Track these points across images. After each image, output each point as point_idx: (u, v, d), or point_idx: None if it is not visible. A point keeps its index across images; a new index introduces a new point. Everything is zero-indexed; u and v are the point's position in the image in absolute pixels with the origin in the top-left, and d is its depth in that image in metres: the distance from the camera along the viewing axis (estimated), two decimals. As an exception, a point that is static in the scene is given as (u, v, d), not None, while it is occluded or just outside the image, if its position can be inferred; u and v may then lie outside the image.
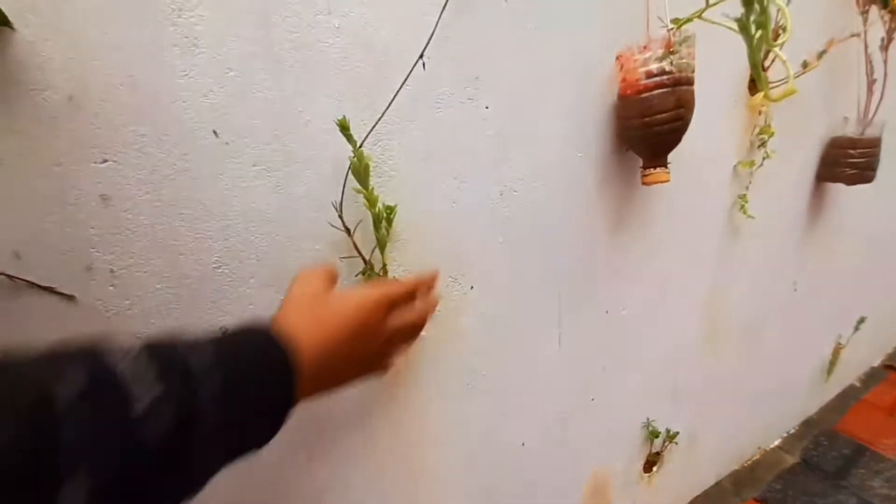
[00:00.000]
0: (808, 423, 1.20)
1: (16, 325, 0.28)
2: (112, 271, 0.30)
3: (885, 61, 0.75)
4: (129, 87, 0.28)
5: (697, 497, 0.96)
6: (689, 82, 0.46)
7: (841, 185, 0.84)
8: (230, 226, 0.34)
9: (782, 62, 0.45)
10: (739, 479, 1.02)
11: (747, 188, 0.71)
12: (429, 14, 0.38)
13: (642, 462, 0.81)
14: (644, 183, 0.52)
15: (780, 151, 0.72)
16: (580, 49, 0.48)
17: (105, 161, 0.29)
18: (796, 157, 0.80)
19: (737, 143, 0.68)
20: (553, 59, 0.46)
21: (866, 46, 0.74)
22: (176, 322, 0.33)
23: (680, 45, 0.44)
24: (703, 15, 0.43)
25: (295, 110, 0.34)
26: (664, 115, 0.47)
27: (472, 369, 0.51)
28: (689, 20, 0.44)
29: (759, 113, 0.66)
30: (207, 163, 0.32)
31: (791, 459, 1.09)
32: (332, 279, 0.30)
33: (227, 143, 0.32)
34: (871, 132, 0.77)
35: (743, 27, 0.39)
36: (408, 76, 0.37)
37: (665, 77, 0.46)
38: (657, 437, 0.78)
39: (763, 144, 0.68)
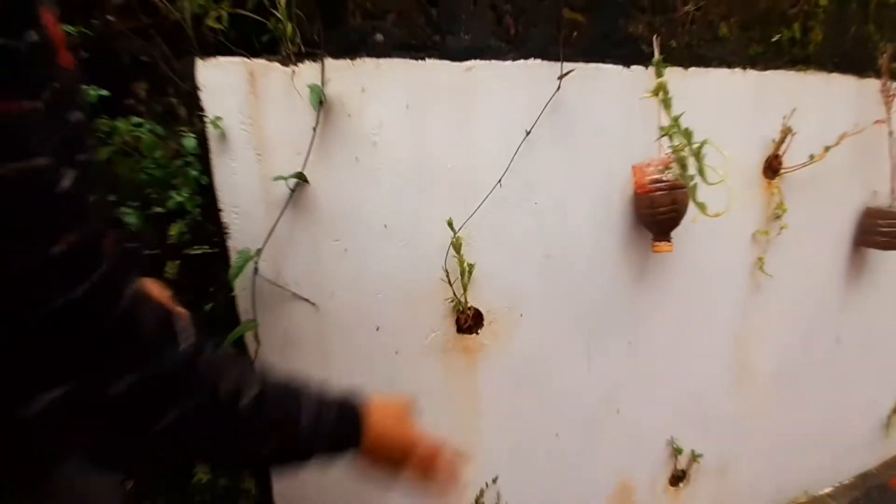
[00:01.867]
0: (864, 477, 1.22)
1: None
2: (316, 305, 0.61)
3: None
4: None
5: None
6: (682, 186, 0.67)
7: (878, 250, 0.94)
8: (390, 273, 0.63)
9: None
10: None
11: (765, 252, 0.86)
12: (505, 155, 0.64)
13: (668, 476, 0.96)
14: (654, 251, 0.73)
15: (808, 221, 0.86)
16: (606, 163, 0.71)
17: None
18: (827, 225, 0.92)
19: (755, 216, 0.84)
20: (585, 169, 0.70)
21: (891, 132, 0.86)
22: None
23: (674, 163, 0.66)
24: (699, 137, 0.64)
25: (426, 214, 0.63)
26: (664, 208, 0.68)
27: (519, 373, 0.75)
28: (680, 149, 0.65)
29: (773, 194, 0.82)
30: (378, 244, 0.61)
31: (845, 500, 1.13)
32: (409, 409, 0.43)
33: (387, 229, 0.62)
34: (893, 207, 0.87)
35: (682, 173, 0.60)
36: (489, 193, 0.64)
37: (663, 183, 0.67)
38: (680, 453, 0.93)
39: (779, 217, 0.84)
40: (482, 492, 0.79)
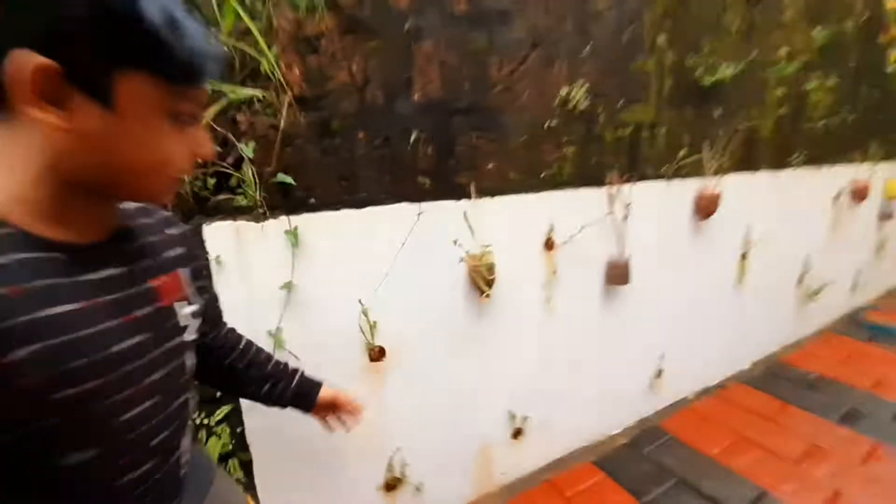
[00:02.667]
0: (643, 421, 1.91)
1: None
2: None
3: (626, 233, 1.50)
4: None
5: (554, 460, 1.66)
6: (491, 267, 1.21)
7: (616, 285, 1.58)
8: (336, 330, 1.07)
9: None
10: (584, 452, 1.72)
11: (552, 292, 1.45)
12: (390, 257, 1.12)
13: (510, 433, 1.52)
14: (481, 301, 1.26)
15: (576, 272, 1.47)
16: (450, 256, 1.22)
17: (293, 319, 1.03)
18: (589, 272, 1.54)
19: (543, 273, 1.43)
20: (440, 262, 1.21)
21: (614, 216, 1.50)
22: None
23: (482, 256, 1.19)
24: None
25: (352, 297, 1.08)
26: (482, 280, 1.21)
27: (408, 379, 1.23)
28: (485, 253, 1.18)
29: (551, 260, 1.41)
30: (326, 314, 1.06)
31: (623, 441, 1.80)
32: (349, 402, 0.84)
33: (331, 306, 1.06)
34: (623, 259, 1.52)
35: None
36: (382, 281, 1.12)
37: (482, 266, 1.20)
38: (515, 418, 1.49)
39: (555, 272, 1.43)
40: (391, 458, 1.26)
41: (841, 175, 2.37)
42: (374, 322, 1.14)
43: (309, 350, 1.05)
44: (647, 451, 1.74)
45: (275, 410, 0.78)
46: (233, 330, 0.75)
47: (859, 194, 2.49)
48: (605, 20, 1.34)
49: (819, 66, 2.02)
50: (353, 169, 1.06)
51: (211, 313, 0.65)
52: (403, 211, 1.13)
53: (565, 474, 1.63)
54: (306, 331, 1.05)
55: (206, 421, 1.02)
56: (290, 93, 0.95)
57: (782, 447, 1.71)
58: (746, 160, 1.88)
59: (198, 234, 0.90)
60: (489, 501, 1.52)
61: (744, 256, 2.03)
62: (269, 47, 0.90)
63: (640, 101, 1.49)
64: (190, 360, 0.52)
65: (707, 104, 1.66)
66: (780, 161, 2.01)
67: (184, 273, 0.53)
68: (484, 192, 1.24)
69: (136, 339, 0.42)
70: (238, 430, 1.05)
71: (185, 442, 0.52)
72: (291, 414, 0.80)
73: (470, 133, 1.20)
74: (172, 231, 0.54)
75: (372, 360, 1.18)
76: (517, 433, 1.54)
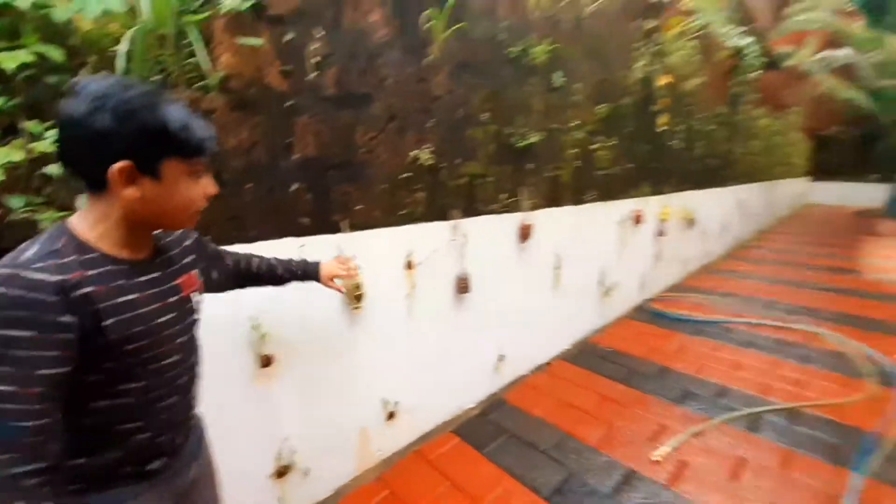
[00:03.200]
0: (491, 396, 2.40)
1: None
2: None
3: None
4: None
5: (422, 434, 2.03)
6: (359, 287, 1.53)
7: (463, 294, 2.03)
8: (234, 342, 1.28)
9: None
10: (446, 425, 2.13)
11: (412, 301, 1.83)
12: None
13: (385, 416, 1.84)
14: (353, 311, 1.58)
15: (432, 285, 1.87)
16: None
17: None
18: (441, 285, 1.96)
19: (405, 286, 1.80)
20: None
21: (455, 243, 1.94)
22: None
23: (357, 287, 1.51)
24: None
25: (249, 316, 1.30)
26: (357, 292, 1.53)
27: (295, 378, 1.48)
28: (359, 280, 1.50)
29: (411, 276, 1.79)
30: (228, 330, 1.26)
31: (475, 412, 2.26)
32: (345, 262, 1.22)
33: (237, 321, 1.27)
34: (465, 273, 1.97)
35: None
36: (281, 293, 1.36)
37: (351, 283, 1.52)
38: (388, 404, 1.82)
39: (415, 286, 1.81)
40: (280, 448, 1.49)
41: (623, 206, 3.24)
42: (264, 334, 1.37)
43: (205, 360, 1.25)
44: (491, 417, 2.22)
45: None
46: (236, 253, 1.02)
47: (637, 219, 3.40)
48: (444, 102, 1.78)
49: (602, 132, 2.79)
50: (243, 212, 1.30)
51: (221, 254, 0.96)
52: (288, 244, 1.39)
53: (429, 444, 2.01)
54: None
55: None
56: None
57: (584, 402, 2.33)
58: (554, 198, 2.52)
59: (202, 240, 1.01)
60: (368, 475, 1.82)
61: (557, 267, 2.68)
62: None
63: (473, 159, 1.97)
64: (198, 332, 0.79)
65: (521, 160, 2.23)
66: (578, 199, 2.72)
67: (195, 273, 0.79)
68: (355, 227, 1.57)
69: (170, 315, 0.68)
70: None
71: (195, 389, 0.79)
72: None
73: (342, 183, 1.51)
74: (187, 243, 0.81)
75: (262, 366, 1.41)
76: (390, 416, 1.87)
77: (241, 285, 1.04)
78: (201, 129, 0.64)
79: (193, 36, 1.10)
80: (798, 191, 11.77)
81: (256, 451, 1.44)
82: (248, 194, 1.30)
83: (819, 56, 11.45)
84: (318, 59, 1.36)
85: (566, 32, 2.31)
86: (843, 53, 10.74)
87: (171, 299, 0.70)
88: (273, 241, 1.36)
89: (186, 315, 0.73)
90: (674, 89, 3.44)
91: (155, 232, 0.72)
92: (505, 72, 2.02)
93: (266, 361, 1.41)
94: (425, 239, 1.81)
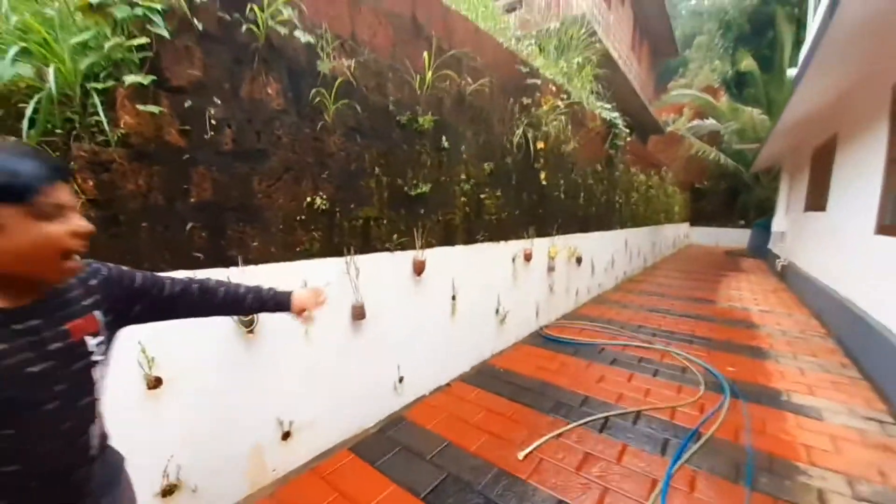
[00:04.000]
0: (392, 415, 2.54)
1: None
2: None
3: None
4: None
5: (320, 453, 2.12)
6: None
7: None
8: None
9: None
10: (344, 443, 2.24)
11: (308, 329, 1.98)
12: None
13: (280, 435, 1.93)
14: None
15: (329, 313, 2.03)
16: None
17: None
18: (336, 314, 2.14)
19: (301, 314, 1.95)
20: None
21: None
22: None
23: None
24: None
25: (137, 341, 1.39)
26: (247, 319, 1.67)
27: (189, 399, 1.56)
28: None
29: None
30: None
31: (374, 430, 2.38)
32: (317, 294, 1.12)
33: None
34: (359, 302, 2.17)
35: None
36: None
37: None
38: (282, 423, 1.92)
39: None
40: (166, 466, 1.54)
41: (514, 246, 3.66)
42: (152, 357, 1.46)
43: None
44: (389, 434, 2.35)
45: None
46: (188, 281, 0.94)
47: (527, 257, 3.84)
48: (338, 158, 2.05)
49: (489, 185, 3.21)
50: (138, 248, 1.42)
51: (148, 286, 0.85)
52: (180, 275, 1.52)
53: (326, 461, 2.10)
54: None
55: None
56: (83, 198, 1.30)
57: (473, 417, 2.55)
58: (447, 238, 2.84)
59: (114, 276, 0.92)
60: (262, 492, 1.87)
61: (454, 298, 2.97)
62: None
63: (368, 205, 2.23)
64: (99, 373, 0.73)
65: (414, 206, 2.53)
66: (470, 239, 3.07)
67: (95, 314, 0.73)
68: (250, 261, 1.73)
69: (46, 364, 0.64)
70: None
71: (94, 429, 0.73)
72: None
73: (238, 223, 1.69)
74: (92, 282, 0.75)
75: (150, 388, 1.48)
76: (286, 436, 1.96)
77: (189, 314, 0.94)
78: (28, 168, 0.59)
79: (96, 100, 1.27)
80: (681, 233, 13.52)
81: (142, 472, 1.47)
82: (144, 232, 1.43)
83: (691, 124, 13.61)
84: (215, 122, 1.56)
85: (450, 106, 2.73)
86: (709, 122, 12.90)
87: (53, 346, 0.65)
88: (168, 273, 1.48)
89: (75, 360, 0.68)
90: (552, 151, 4.03)
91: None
92: (395, 135, 2.35)
93: (154, 383, 1.49)
94: (320, 272, 2.00)
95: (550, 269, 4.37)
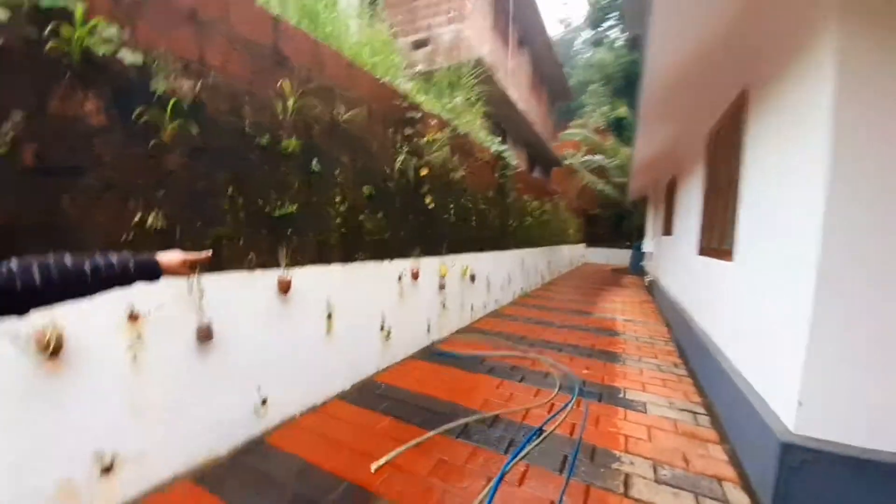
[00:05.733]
0: (251, 440, 2.40)
1: None
2: None
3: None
4: None
5: (154, 485, 1.93)
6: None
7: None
8: None
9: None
10: (188, 473, 2.06)
11: (136, 353, 1.83)
12: None
13: (101, 469, 1.72)
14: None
15: (166, 335, 1.90)
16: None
17: None
18: (176, 336, 2.01)
19: (127, 337, 1.80)
20: None
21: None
22: None
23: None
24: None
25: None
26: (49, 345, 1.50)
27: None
28: (47, 328, 1.49)
29: (136, 327, 1.81)
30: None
31: (225, 457, 2.23)
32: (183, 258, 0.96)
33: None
34: (205, 323, 2.06)
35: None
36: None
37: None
38: (102, 457, 1.72)
39: (140, 336, 1.83)
40: None
41: (399, 265, 3.75)
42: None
43: None
44: (241, 460, 2.22)
45: None
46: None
47: (415, 276, 3.95)
48: (179, 176, 1.97)
49: (368, 207, 3.29)
50: None
51: None
52: None
53: (158, 496, 1.91)
54: None
55: None
56: None
57: (342, 435, 2.50)
58: (321, 258, 2.83)
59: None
60: (67, 539, 1.64)
61: (329, 316, 2.94)
62: None
63: (220, 224, 2.16)
64: None
65: (279, 226, 2.50)
66: (347, 258, 3.09)
67: None
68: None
69: None
70: None
71: None
72: None
73: (40, 247, 1.53)
74: None
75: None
76: (107, 469, 1.76)
77: (35, 297, 0.73)
78: None
79: None
80: (577, 253, 14.88)
81: None
82: None
83: (583, 159, 15.23)
84: (12, 135, 1.43)
85: (321, 131, 2.79)
86: (598, 158, 14.52)
87: None
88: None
89: None
90: (439, 178, 4.26)
91: None
92: (254, 156, 2.32)
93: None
94: (153, 293, 1.87)
95: (441, 286, 4.53)
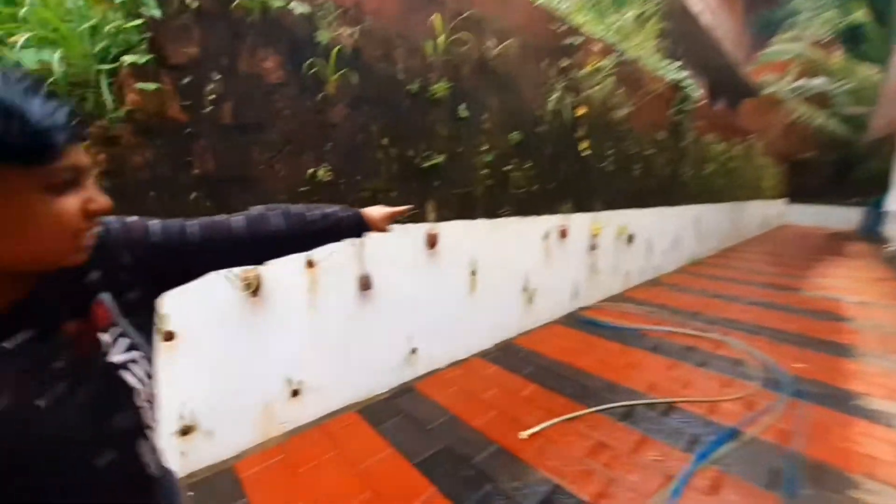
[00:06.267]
0: (403, 384, 2.61)
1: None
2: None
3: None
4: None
5: (328, 413, 2.26)
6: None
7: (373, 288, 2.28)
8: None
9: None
10: (353, 406, 2.35)
11: (314, 297, 2.08)
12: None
13: (289, 393, 2.08)
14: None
15: (335, 281, 2.12)
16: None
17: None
18: (343, 283, 2.21)
19: (306, 281, 2.05)
20: (217, 273, 1.76)
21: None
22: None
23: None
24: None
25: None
26: (250, 283, 1.80)
27: (200, 347, 1.74)
28: (248, 271, 1.77)
29: (313, 273, 2.05)
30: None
31: (384, 397, 2.48)
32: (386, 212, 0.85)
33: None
34: (365, 273, 2.23)
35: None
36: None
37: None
38: (291, 382, 2.07)
39: (316, 282, 2.07)
40: (181, 410, 1.74)
41: (546, 221, 3.47)
42: (165, 314, 1.64)
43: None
44: (397, 402, 2.43)
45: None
46: (226, 222, 0.67)
47: (563, 234, 3.63)
48: (342, 129, 2.07)
49: (516, 156, 3.05)
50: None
51: (174, 236, 0.61)
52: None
53: (332, 420, 2.23)
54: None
55: None
56: (97, 169, 1.46)
57: (485, 394, 2.53)
58: (466, 212, 2.77)
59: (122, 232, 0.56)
60: (271, 442, 2.05)
61: (473, 273, 2.92)
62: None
63: (376, 177, 2.25)
64: (134, 374, 0.51)
65: (426, 179, 2.50)
66: (492, 213, 2.97)
67: (105, 298, 0.50)
68: (253, 230, 1.84)
69: (57, 387, 0.44)
70: None
71: (144, 443, 0.53)
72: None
73: (239, 193, 1.80)
74: (92, 255, 0.48)
75: (164, 340, 1.67)
76: (295, 393, 2.11)
77: (230, 261, 0.69)
78: (37, 115, 0.37)
79: (102, 81, 1.41)
80: (772, 212, 11.81)
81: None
82: (153, 202, 1.59)
83: (795, 85, 11.66)
84: (215, 96, 1.65)
85: (469, 72, 2.61)
86: (818, 82, 10.96)
87: (57, 363, 0.45)
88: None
89: (90, 371, 0.47)
90: (598, 118, 3.70)
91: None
92: (405, 104, 2.31)
93: (168, 336, 1.67)
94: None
95: (592, 247, 4.09)
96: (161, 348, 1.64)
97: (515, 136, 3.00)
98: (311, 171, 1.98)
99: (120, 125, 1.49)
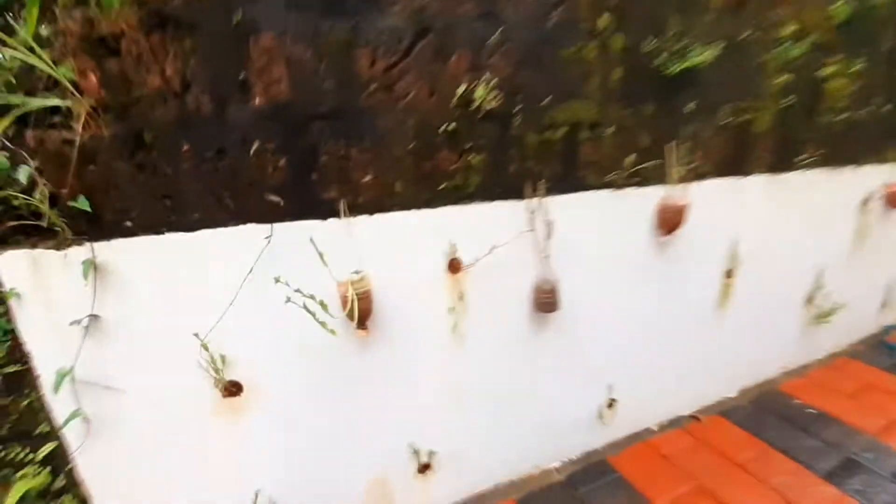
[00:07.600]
0: (588, 455, 1.74)
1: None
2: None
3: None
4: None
5: (472, 495, 1.55)
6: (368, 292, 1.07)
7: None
8: (171, 369, 0.99)
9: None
10: (511, 488, 1.60)
11: (459, 319, 1.30)
12: (234, 288, 1.01)
13: (416, 467, 1.41)
14: (358, 336, 1.13)
15: (492, 297, 1.30)
16: (315, 282, 1.09)
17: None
18: (507, 298, 1.36)
19: (446, 297, 1.27)
20: (294, 289, 1.08)
21: (535, 234, 1.31)
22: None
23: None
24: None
25: (186, 331, 0.99)
26: (358, 309, 1.08)
27: (279, 414, 1.14)
28: (355, 281, 1.04)
29: (457, 283, 1.25)
30: (156, 353, 0.97)
31: (558, 477, 1.65)
32: None
33: (162, 342, 0.97)
34: (549, 282, 1.34)
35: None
36: (223, 314, 1.01)
37: (361, 292, 1.07)
38: (418, 453, 1.38)
39: (462, 297, 1.27)
40: (255, 500, 1.19)
41: (870, 177, 2.01)
42: (223, 356, 1.04)
43: (139, 392, 0.98)
44: (582, 490, 1.59)
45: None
46: None
47: (891, 199, 2.11)
48: (522, 2, 1.12)
49: (839, 48, 1.66)
50: (178, 186, 0.94)
51: None
52: (250, 233, 1.00)
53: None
54: (127, 367, 0.97)
55: (28, 457, 0.97)
56: (85, 104, 0.83)
57: (723, 479, 1.52)
58: (734, 162, 1.60)
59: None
60: (390, 536, 1.44)
61: (728, 274, 1.77)
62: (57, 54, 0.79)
63: (577, 97, 1.26)
64: None
65: (673, 98, 1.40)
66: (782, 162, 1.71)
67: None
68: (360, 208, 1.09)
69: None
70: (66, 467, 1.00)
71: None
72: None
73: (337, 141, 1.04)
74: None
75: (225, 395, 1.09)
76: (424, 468, 1.43)
77: None
78: None
79: None
80: None
81: (223, 501, 1.17)
82: (186, 161, 0.93)
83: None
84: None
85: None
86: None
87: None
88: (228, 230, 0.99)
89: None
90: None
91: None
92: None
93: (230, 390, 1.09)
94: (480, 228, 1.24)
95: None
96: (218, 408, 1.06)
97: (841, 7, 1.61)
98: (461, 90, 1.10)
99: (119, 10, 0.81)
